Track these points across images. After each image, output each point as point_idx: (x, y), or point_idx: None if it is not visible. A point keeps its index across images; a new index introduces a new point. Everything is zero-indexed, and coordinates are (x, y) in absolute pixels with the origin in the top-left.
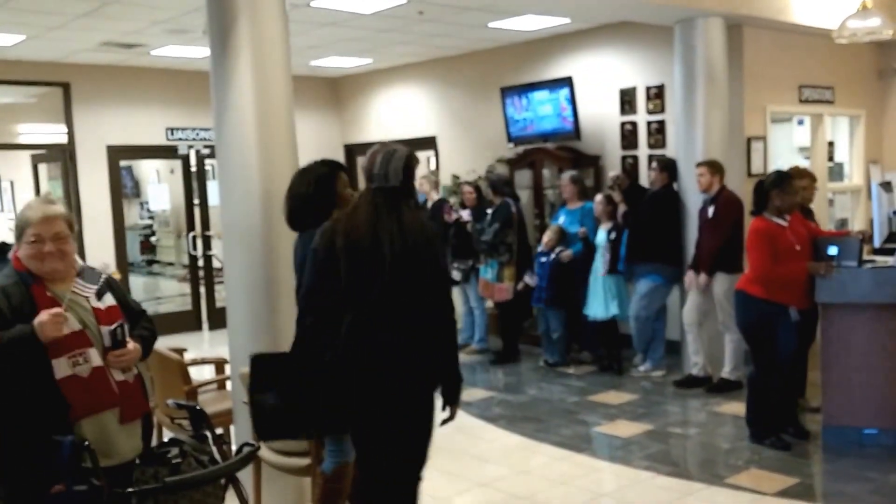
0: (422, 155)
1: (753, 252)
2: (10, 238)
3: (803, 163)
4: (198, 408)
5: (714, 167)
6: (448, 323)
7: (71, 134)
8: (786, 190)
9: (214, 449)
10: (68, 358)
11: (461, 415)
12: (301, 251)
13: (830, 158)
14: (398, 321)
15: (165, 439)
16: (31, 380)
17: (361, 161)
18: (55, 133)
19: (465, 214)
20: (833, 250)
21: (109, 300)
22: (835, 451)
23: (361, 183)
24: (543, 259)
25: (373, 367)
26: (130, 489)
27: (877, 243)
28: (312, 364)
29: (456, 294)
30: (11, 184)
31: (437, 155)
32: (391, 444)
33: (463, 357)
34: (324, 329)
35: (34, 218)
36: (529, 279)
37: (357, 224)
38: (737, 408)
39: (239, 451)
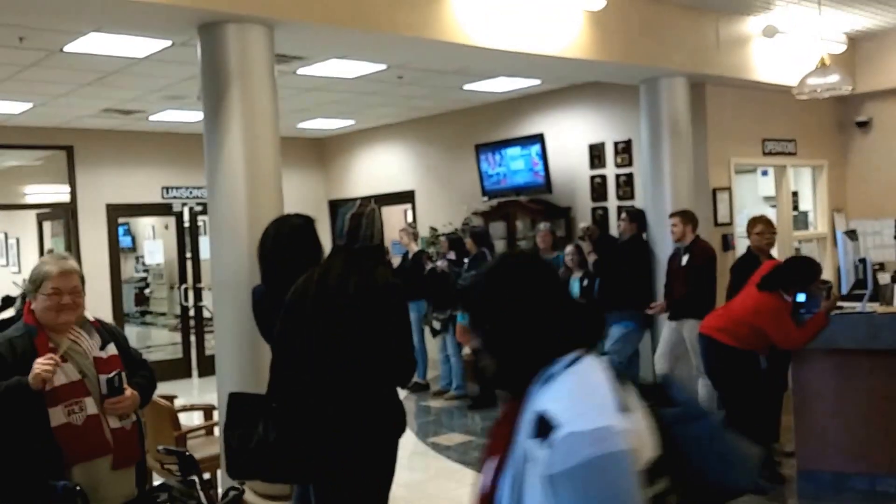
0: (401, 208)
1: (783, 327)
2: (14, 292)
3: (769, 212)
4: (187, 454)
5: (686, 217)
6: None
7: (73, 193)
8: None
9: (202, 493)
10: (64, 407)
11: (440, 459)
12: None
13: (795, 207)
14: (353, 382)
15: (156, 483)
16: (29, 428)
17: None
18: (59, 193)
19: (442, 264)
20: (802, 297)
21: (112, 350)
22: (810, 496)
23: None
24: None
25: (318, 423)
26: None
27: (844, 290)
28: (283, 413)
29: (434, 343)
30: (18, 241)
31: (414, 208)
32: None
33: (441, 403)
34: (292, 380)
35: (53, 272)
36: None
37: (327, 283)
38: None
39: (225, 495)
